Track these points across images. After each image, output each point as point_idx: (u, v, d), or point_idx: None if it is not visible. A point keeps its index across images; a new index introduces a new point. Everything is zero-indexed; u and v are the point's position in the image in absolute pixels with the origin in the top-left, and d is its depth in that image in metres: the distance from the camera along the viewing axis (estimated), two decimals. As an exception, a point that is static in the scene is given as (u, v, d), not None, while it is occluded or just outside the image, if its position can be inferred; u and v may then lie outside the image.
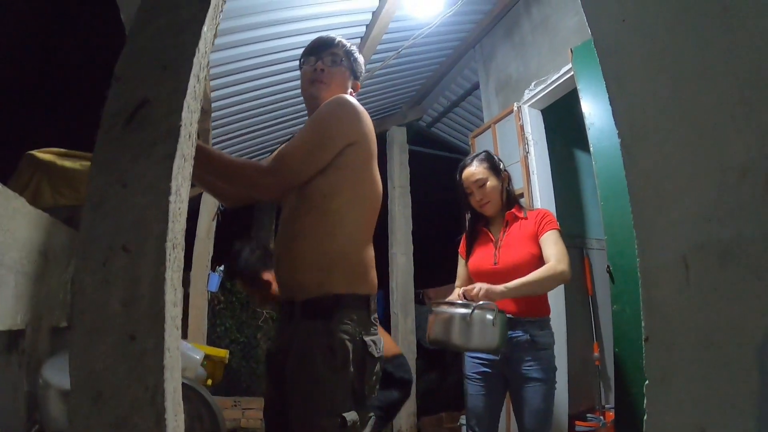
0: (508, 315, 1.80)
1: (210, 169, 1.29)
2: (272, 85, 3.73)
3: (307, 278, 1.29)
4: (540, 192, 3.11)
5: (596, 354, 3.31)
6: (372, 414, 1.32)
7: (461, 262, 2.21)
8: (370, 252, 1.38)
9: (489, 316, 1.67)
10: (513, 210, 2.07)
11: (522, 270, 1.93)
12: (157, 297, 0.74)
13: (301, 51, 1.54)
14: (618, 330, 2.13)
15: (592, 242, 3.71)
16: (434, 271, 5.30)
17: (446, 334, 1.71)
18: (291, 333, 1.29)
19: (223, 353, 3.03)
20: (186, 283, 4.12)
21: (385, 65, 3.90)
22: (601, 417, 3.12)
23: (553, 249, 1.90)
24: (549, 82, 2.99)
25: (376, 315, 1.36)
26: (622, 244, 2.16)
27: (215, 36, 1.03)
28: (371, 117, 1.40)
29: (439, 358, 5.64)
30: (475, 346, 1.68)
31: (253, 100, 3.81)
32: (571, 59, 2.49)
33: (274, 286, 2.17)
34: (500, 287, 1.77)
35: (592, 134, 2.32)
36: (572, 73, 2.55)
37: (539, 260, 1.95)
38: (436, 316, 1.77)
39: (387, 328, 5.08)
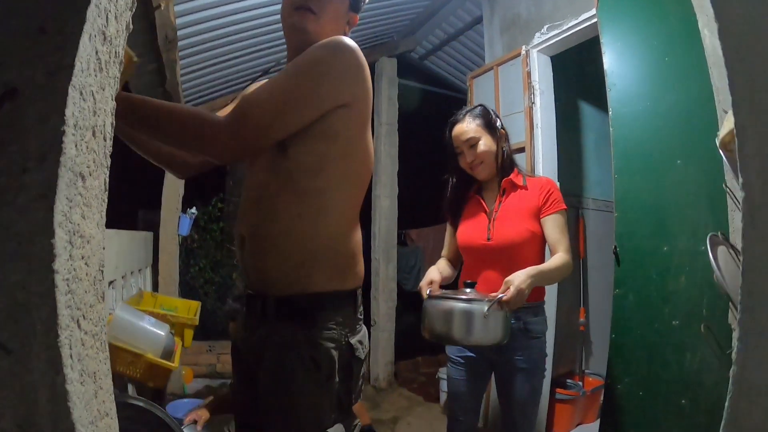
0: None
1: (142, 126, 0.97)
2: (249, 9, 3.26)
3: (280, 273, 1.05)
4: (543, 147, 2.84)
5: (582, 319, 3.23)
6: (358, 421, 1.18)
7: (449, 229, 1.99)
8: (357, 237, 1.14)
9: None
10: (510, 177, 1.81)
11: (518, 248, 1.73)
12: (62, 415, 0.50)
13: None
14: (618, 315, 1.97)
15: (588, 202, 3.51)
16: (418, 212, 5.07)
17: (445, 328, 1.52)
18: (264, 335, 1.07)
19: (193, 308, 2.86)
20: (156, 225, 3.85)
21: (379, -9, 3.46)
22: (580, 383, 3.09)
23: (563, 239, 1.71)
24: (565, 27, 2.63)
25: (361, 308, 1.17)
26: (633, 225, 1.94)
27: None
28: (360, 47, 1.10)
29: (419, 300, 5.54)
30: (478, 341, 1.51)
31: (229, 26, 3.35)
32: (596, 6, 2.13)
33: None
34: (525, 291, 1.50)
35: (613, 96, 2.03)
36: (595, 20, 2.21)
37: (540, 239, 1.76)
38: (432, 308, 1.57)
39: (368, 272, 4.93)
